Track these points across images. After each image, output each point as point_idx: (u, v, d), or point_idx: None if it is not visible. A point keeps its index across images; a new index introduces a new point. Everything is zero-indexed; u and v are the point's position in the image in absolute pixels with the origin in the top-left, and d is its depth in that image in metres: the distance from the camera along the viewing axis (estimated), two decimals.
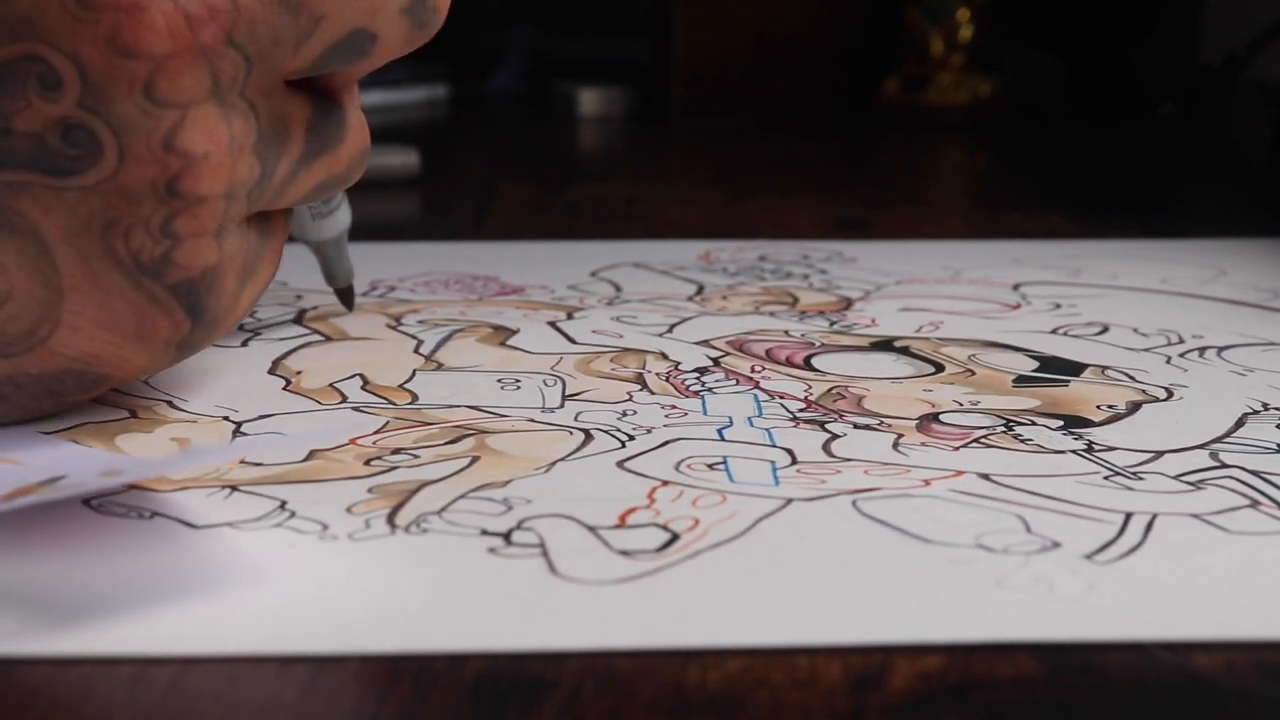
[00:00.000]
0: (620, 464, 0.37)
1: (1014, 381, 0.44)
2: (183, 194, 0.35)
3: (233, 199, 0.36)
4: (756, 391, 0.43)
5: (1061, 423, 0.40)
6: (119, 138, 0.34)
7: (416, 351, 0.47)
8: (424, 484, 0.36)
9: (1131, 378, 0.44)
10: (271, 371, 0.45)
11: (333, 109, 0.38)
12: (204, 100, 0.35)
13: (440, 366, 0.45)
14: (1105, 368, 0.45)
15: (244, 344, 0.48)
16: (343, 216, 0.50)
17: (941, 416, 0.41)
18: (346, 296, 0.51)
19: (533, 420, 0.40)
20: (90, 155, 0.34)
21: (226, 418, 0.41)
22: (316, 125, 0.38)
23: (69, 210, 0.35)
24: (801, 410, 0.41)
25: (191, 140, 0.35)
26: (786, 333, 0.49)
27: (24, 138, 0.34)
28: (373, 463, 0.37)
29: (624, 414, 0.41)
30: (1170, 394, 0.43)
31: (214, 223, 0.36)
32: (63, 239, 0.35)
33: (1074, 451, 0.38)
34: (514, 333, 0.49)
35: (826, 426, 0.40)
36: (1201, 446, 0.39)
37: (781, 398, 0.42)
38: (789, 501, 0.35)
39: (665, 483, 0.36)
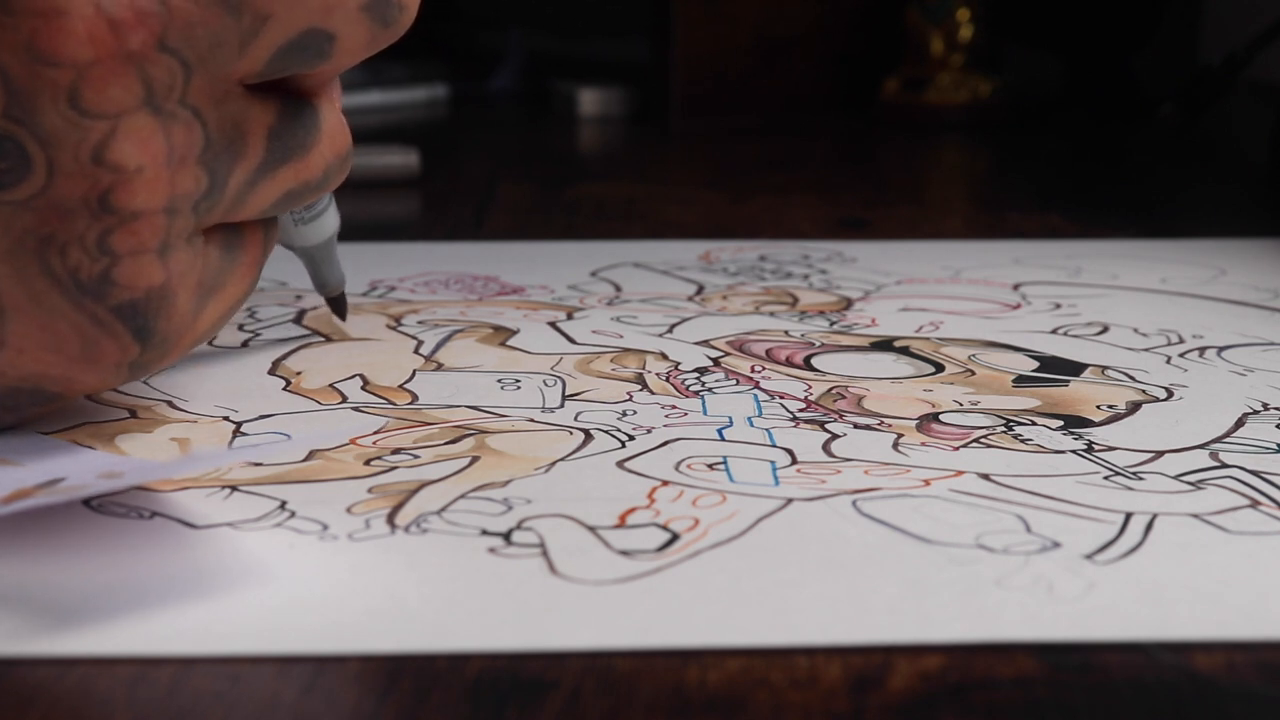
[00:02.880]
0: (620, 464, 0.37)
1: (1014, 381, 0.44)
2: (116, 209, 0.33)
3: (175, 213, 0.34)
4: (756, 391, 0.43)
5: (1061, 423, 0.40)
6: (46, 150, 0.32)
7: (416, 352, 0.47)
8: (424, 484, 0.36)
9: (1131, 378, 0.44)
10: (271, 372, 0.45)
11: (303, 112, 0.36)
12: (136, 110, 0.33)
13: (440, 366, 0.45)
14: (1105, 368, 0.45)
15: (244, 344, 0.48)
16: (330, 221, 0.47)
17: (941, 416, 0.41)
18: (339, 305, 0.49)
19: (533, 420, 0.40)
20: (19, 168, 0.33)
21: (226, 418, 0.41)
22: (281, 131, 0.36)
23: (2, 226, 0.33)
24: (801, 410, 0.41)
25: (123, 152, 0.33)
26: (786, 333, 0.49)
27: None
28: (373, 463, 0.37)
29: (624, 414, 0.41)
30: (1170, 394, 0.43)
31: (155, 239, 0.34)
32: None
33: (1074, 451, 0.38)
34: (514, 333, 0.49)
35: (826, 426, 0.40)
36: (1201, 446, 0.39)
37: (781, 398, 0.42)
38: (789, 501, 0.35)
39: (665, 483, 0.36)
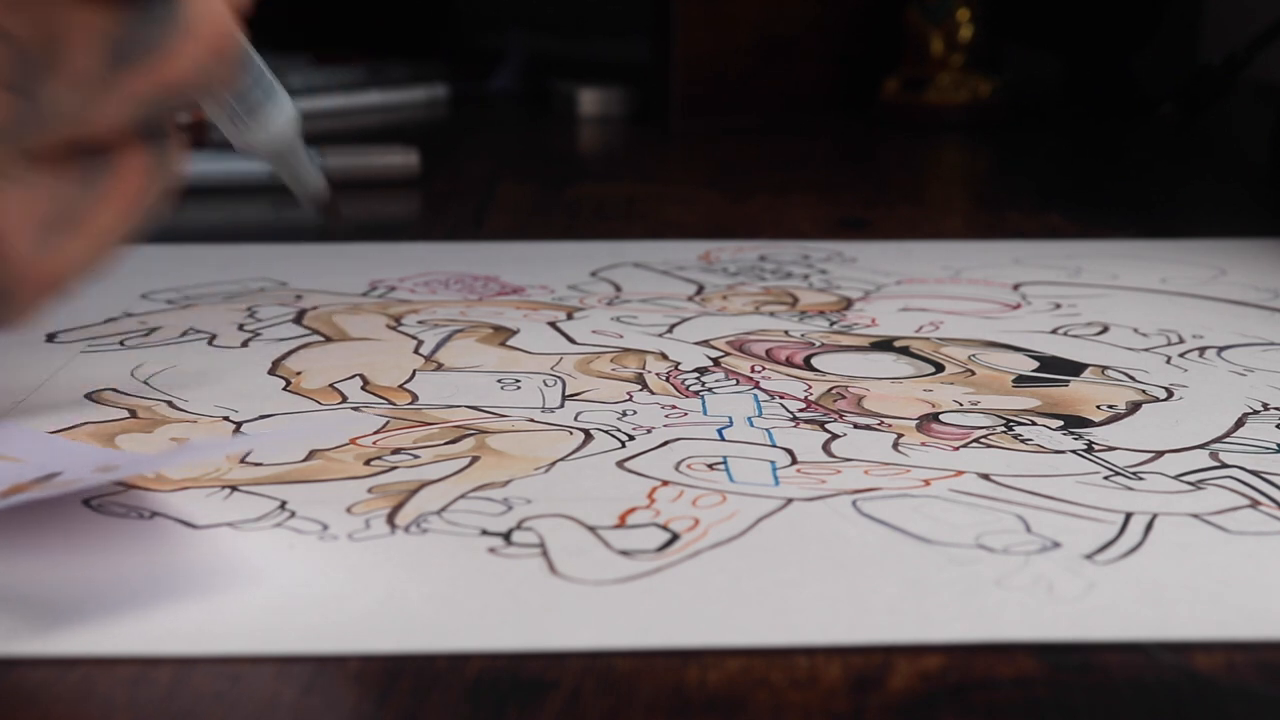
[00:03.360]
0: (620, 464, 0.37)
1: (1014, 381, 0.44)
2: None
3: None
4: (756, 391, 0.43)
5: (1061, 423, 0.40)
6: None
7: (416, 352, 0.47)
8: (424, 484, 0.36)
9: (1131, 378, 0.44)
10: (271, 372, 0.45)
11: (152, 5, 0.31)
12: None
13: (440, 366, 0.45)
14: (1105, 368, 0.45)
15: (244, 344, 0.48)
16: (277, 117, 0.41)
17: (941, 416, 0.41)
18: (327, 211, 0.43)
19: (533, 420, 0.40)
20: None
21: (226, 418, 0.40)
22: (118, 32, 0.31)
23: None
24: (801, 410, 0.41)
25: None
26: (786, 333, 0.49)
27: None
28: (373, 463, 0.37)
29: (624, 414, 0.41)
30: (1170, 394, 0.43)
31: None
32: None
33: (1074, 451, 0.38)
34: (514, 333, 0.49)
35: (826, 426, 0.40)
36: (1201, 446, 0.39)
37: (781, 398, 0.42)
38: (789, 501, 0.35)
39: (665, 483, 0.36)
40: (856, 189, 0.80)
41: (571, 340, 0.49)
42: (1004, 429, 0.40)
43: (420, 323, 0.50)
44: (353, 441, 0.38)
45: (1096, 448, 0.38)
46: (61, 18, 0.30)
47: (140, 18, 0.31)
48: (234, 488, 0.35)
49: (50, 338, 0.48)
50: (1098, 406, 0.42)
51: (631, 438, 0.39)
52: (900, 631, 0.29)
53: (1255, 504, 0.35)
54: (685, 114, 1.02)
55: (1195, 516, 0.34)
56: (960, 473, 0.37)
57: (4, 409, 0.41)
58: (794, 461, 0.37)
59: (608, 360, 0.46)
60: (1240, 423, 0.40)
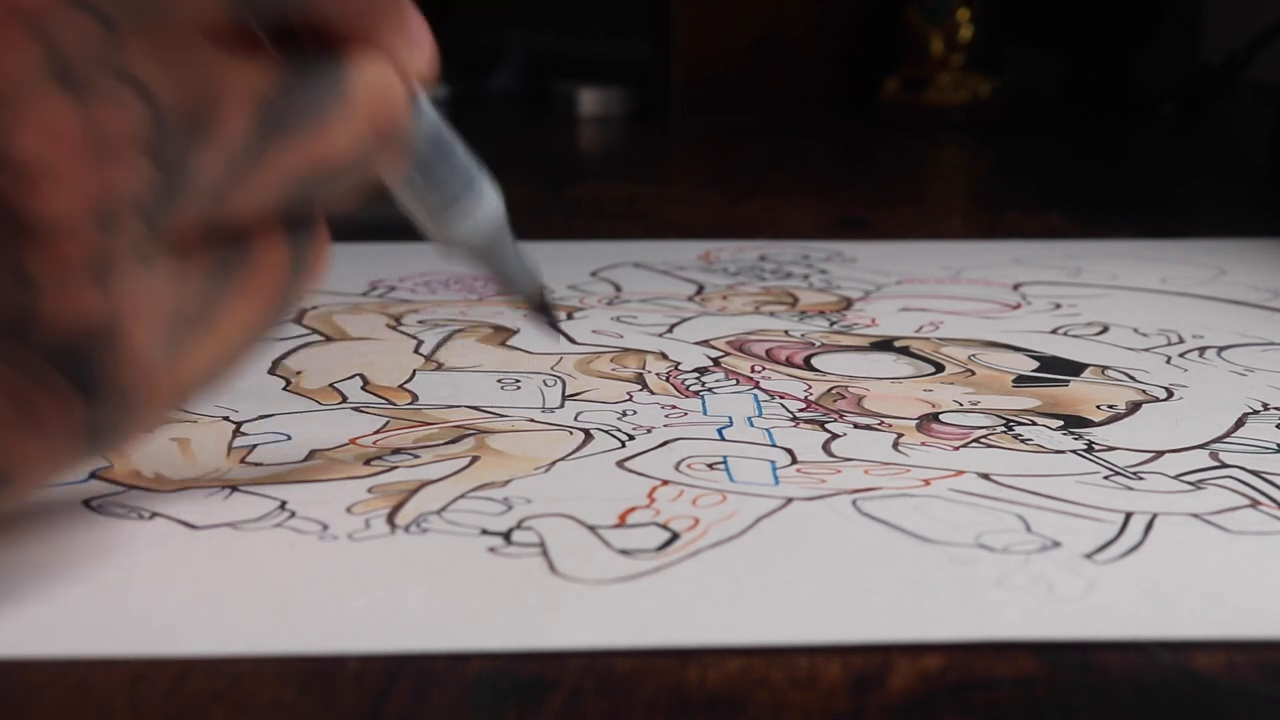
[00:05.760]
0: (620, 464, 0.37)
1: (1014, 381, 0.44)
2: (24, 221, 0.24)
3: (112, 222, 0.25)
4: (756, 391, 0.43)
5: (1061, 423, 0.40)
6: None
7: (416, 351, 0.47)
8: (424, 484, 0.36)
9: (1131, 378, 0.44)
10: (271, 371, 0.45)
11: (316, 67, 0.27)
12: (38, 84, 0.24)
13: (440, 366, 0.45)
14: (1105, 368, 0.45)
15: None
16: (481, 210, 0.35)
17: (941, 416, 0.41)
18: (545, 311, 0.37)
19: (533, 420, 0.40)
20: None
21: (226, 418, 0.40)
22: (276, 95, 0.26)
23: None
24: (801, 410, 0.41)
25: (23, 142, 0.24)
26: (786, 333, 0.49)
27: None
28: (373, 463, 0.37)
29: (624, 414, 0.41)
30: (1170, 394, 0.43)
31: (82, 257, 0.25)
32: None
33: (1074, 451, 0.38)
34: (514, 333, 0.49)
35: (826, 426, 0.40)
36: (1201, 446, 0.39)
37: (781, 398, 0.42)
38: (789, 501, 0.35)
39: (665, 482, 0.36)
40: (856, 189, 0.80)
41: (572, 340, 0.49)
42: (1004, 429, 0.40)
43: (420, 322, 0.50)
44: (353, 441, 0.38)
45: (1096, 448, 0.38)
46: (216, 76, 0.26)
47: (298, 81, 0.27)
48: (234, 488, 0.35)
49: None
50: (1098, 406, 0.42)
51: (631, 437, 0.39)
52: (900, 631, 0.29)
53: (1255, 504, 0.35)
54: (685, 114, 1.02)
55: (1195, 516, 0.34)
56: (960, 472, 0.37)
57: None
58: (794, 461, 0.37)
59: (608, 360, 0.46)
60: (1240, 423, 0.40)
